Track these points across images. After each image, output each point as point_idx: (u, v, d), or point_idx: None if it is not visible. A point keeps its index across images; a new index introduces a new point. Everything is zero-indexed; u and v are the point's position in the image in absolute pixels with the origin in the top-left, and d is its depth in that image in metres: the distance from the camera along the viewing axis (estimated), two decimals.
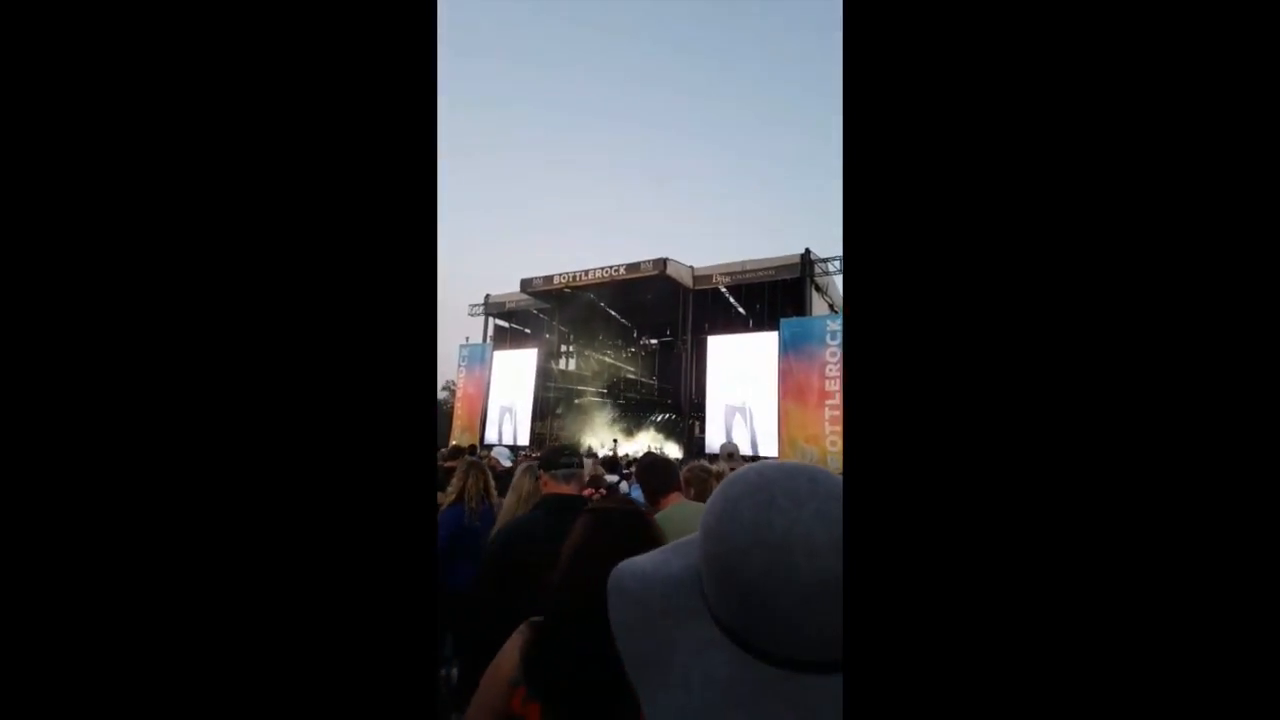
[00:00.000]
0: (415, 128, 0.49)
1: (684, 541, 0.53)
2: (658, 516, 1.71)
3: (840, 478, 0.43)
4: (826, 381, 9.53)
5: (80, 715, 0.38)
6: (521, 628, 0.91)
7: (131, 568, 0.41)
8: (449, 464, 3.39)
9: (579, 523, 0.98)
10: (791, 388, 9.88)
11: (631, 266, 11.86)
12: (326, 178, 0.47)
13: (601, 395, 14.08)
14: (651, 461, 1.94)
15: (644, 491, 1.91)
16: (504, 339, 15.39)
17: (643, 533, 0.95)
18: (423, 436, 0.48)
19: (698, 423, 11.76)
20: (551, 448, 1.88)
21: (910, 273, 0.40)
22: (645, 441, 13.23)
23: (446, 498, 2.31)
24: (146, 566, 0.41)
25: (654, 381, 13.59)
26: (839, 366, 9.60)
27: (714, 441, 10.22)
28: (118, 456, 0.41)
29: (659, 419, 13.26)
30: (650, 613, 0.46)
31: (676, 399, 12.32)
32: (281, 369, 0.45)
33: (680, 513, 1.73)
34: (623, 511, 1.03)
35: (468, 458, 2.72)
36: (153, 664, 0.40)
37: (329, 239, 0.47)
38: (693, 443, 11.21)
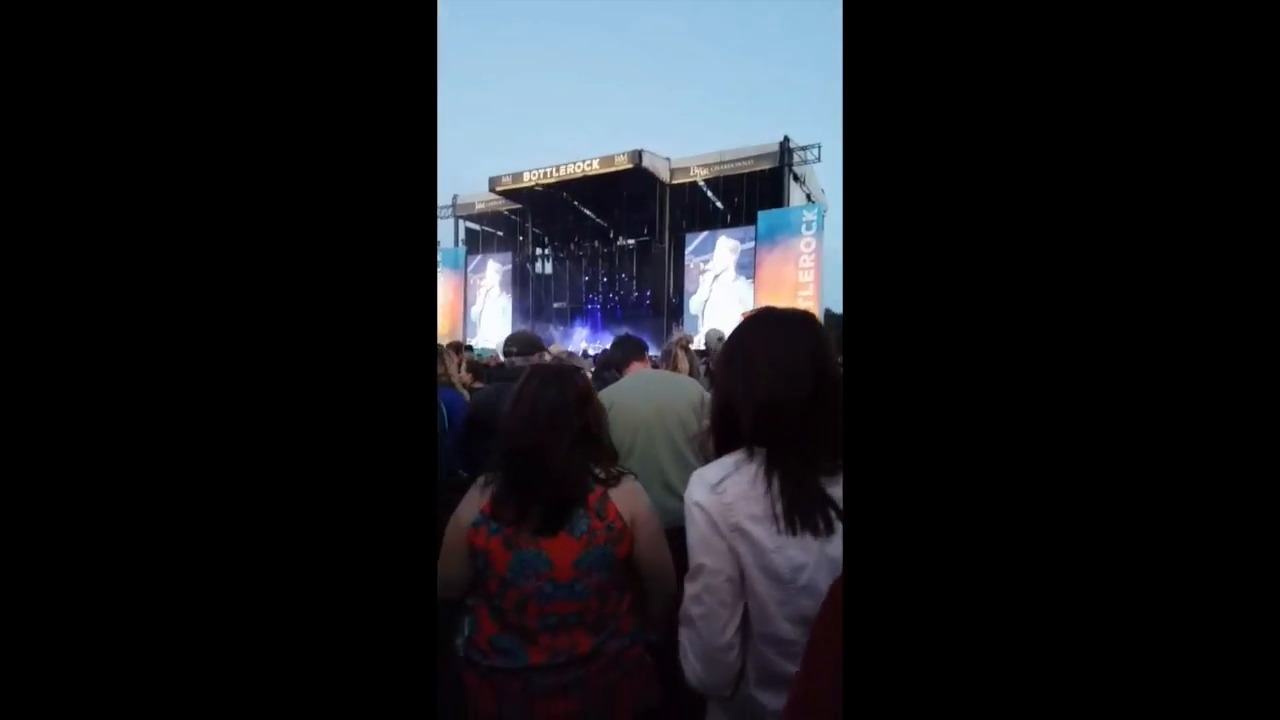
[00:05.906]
0: (408, 24, 0.47)
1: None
2: (619, 382, 1.89)
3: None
4: (800, 272, 9.61)
5: (78, 714, 0.37)
6: (479, 480, 1.04)
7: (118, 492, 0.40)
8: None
9: (521, 378, 1.09)
10: (766, 279, 9.96)
11: (605, 160, 11.30)
12: (313, 82, 0.45)
13: (579, 297, 14.07)
14: (618, 339, 2.13)
15: (614, 364, 2.09)
16: (475, 243, 14.96)
17: (571, 379, 1.08)
18: (422, 359, 0.49)
19: (677, 321, 11.93)
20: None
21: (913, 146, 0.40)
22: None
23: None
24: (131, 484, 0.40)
25: (633, 282, 13.56)
26: (813, 257, 9.65)
27: (695, 337, 10.41)
28: (102, 400, 0.40)
29: (638, 317, 13.41)
30: None
31: (656, 297, 12.39)
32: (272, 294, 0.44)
33: (637, 379, 1.91)
34: (557, 365, 1.17)
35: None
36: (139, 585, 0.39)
37: (316, 144, 0.46)
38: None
